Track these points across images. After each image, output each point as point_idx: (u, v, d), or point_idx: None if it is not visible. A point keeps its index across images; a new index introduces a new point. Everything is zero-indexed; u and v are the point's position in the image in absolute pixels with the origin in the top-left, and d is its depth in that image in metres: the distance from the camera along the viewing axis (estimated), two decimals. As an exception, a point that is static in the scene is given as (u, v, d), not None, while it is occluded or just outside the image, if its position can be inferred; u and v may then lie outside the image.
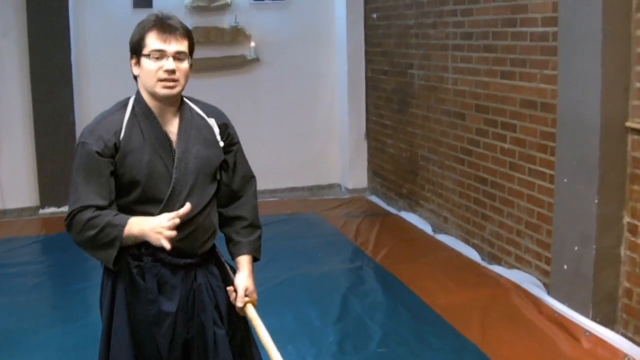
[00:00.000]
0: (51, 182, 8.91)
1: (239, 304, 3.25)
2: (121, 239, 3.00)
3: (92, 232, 3.01)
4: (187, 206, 3.01)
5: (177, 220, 2.96)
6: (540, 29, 5.89)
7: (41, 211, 9.01)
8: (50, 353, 5.30)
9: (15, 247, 7.77)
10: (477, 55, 6.82)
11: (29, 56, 8.84)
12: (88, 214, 3.03)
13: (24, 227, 8.56)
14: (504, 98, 6.43)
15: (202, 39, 9.20)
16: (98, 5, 8.97)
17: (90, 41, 9.01)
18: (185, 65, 3.11)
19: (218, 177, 3.35)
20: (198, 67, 9.02)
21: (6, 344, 5.42)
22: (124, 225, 3.00)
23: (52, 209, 8.95)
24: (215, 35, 9.37)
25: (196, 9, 9.26)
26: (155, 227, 2.97)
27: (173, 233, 2.96)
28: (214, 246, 3.38)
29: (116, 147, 3.07)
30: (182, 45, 3.09)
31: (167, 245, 2.94)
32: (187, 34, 3.13)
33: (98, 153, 3.05)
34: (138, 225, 3.01)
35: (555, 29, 5.64)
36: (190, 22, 8.99)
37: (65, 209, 8.81)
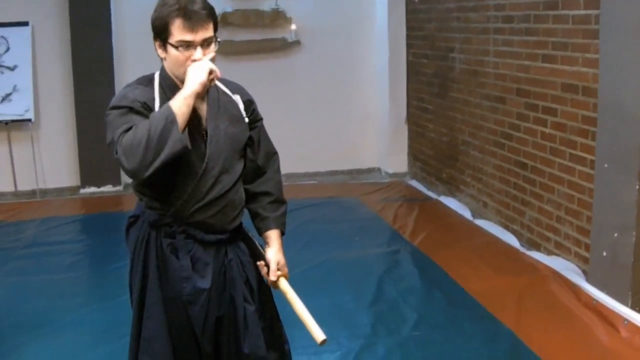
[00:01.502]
0: (91, 163, 8.99)
1: (273, 277, 3.25)
2: (173, 113, 2.83)
3: (145, 136, 2.80)
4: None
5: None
6: (582, 12, 5.79)
7: (81, 191, 9.10)
8: (85, 331, 5.36)
9: (54, 225, 7.87)
10: (519, 39, 6.74)
11: (70, 40, 8.92)
12: (130, 132, 2.86)
13: (63, 206, 8.67)
14: (545, 82, 6.34)
15: (241, 22, 9.21)
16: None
17: (130, 25, 9.04)
18: (212, 49, 3.05)
19: (244, 153, 3.33)
20: (237, 50, 9.13)
21: (42, 322, 5.48)
22: (168, 105, 2.88)
23: (92, 189, 9.04)
24: (255, 18, 9.35)
25: (237, -8, 9.25)
26: (197, 69, 2.94)
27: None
28: (241, 222, 3.36)
29: (150, 110, 3.00)
30: (209, 31, 3.02)
31: (218, 73, 2.96)
32: (211, 14, 3.04)
33: (135, 109, 2.97)
34: (178, 94, 2.91)
35: (597, 11, 5.54)
36: (230, 5, 9.02)
37: (105, 188, 8.96)
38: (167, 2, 3.01)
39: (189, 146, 2.89)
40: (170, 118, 2.82)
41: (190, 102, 2.89)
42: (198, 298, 3.18)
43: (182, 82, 3.00)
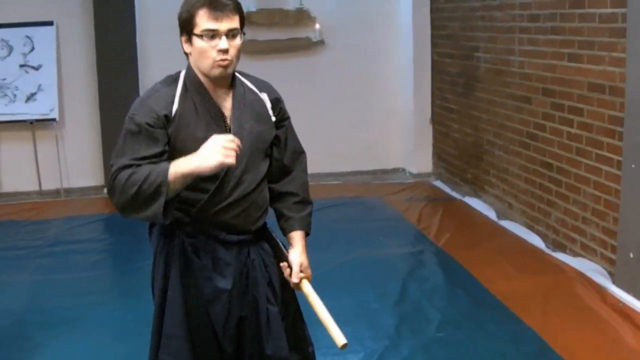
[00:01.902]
0: (115, 162, 8.99)
1: (295, 279, 3.20)
2: (167, 184, 2.87)
3: (135, 187, 2.89)
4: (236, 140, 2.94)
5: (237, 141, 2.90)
6: (609, 10, 5.73)
7: (105, 190, 9.08)
8: (108, 328, 5.39)
9: (78, 224, 7.92)
10: (544, 38, 6.69)
11: (94, 39, 8.94)
12: (129, 171, 2.92)
13: (87, 205, 8.71)
14: (571, 81, 6.29)
15: (266, 21, 9.20)
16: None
17: (154, 22, 9.05)
18: (237, 41, 3.04)
19: (269, 152, 3.31)
20: (262, 49, 9.12)
21: (66, 319, 5.51)
22: (167, 169, 2.89)
23: (116, 188, 9.04)
24: (280, 17, 9.33)
25: (261, -9, 9.24)
26: (213, 146, 2.88)
27: (233, 147, 2.88)
28: (265, 222, 3.33)
29: (168, 119, 3.02)
30: (234, 22, 3.01)
31: (232, 162, 2.88)
32: (238, 8, 3.05)
33: (149, 124, 2.98)
34: (185, 162, 2.89)
35: (624, 10, 5.48)
36: (254, 4, 9.00)
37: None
38: None
39: (162, 221, 2.96)
40: (161, 189, 2.88)
41: (188, 180, 2.93)
42: (219, 298, 3.17)
43: (207, 75, 3.04)
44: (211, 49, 2.99)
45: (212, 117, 3.09)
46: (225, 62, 3.01)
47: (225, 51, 2.99)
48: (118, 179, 2.94)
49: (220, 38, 2.98)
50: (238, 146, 2.89)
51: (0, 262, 6.75)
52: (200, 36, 2.98)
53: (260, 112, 3.22)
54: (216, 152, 2.85)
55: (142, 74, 8.96)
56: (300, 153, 3.43)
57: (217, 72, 3.03)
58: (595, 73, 5.95)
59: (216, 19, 2.97)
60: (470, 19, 8.24)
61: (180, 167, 2.89)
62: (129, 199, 2.91)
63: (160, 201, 2.89)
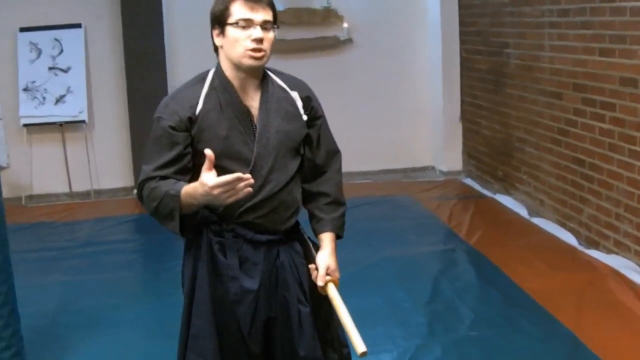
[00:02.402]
0: (144, 164, 9.01)
1: (320, 282, 3.12)
2: (179, 210, 2.93)
3: (154, 204, 2.99)
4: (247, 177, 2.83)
5: (222, 180, 2.80)
6: (641, 4, 5.68)
7: (135, 191, 9.10)
8: (139, 328, 5.40)
9: (109, 225, 7.97)
10: (575, 33, 6.62)
11: (123, 40, 8.97)
12: (152, 185, 3.00)
13: (117, 206, 8.76)
14: (603, 76, 6.22)
15: (294, 20, 9.19)
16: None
17: (182, 23, 9.09)
18: (271, 35, 3.03)
19: (302, 151, 3.26)
20: (290, 48, 9.10)
21: (97, 320, 5.54)
22: (179, 195, 2.91)
23: (145, 190, 9.06)
24: (307, 16, 9.33)
25: (288, -10, 9.23)
26: (208, 194, 2.82)
27: (245, 189, 2.82)
28: (297, 223, 3.29)
29: (191, 121, 3.01)
30: (269, 15, 3.01)
31: (238, 197, 2.83)
32: (271, 4, 3.04)
33: (172, 127, 2.99)
34: (191, 195, 2.89)
35: (656, 3, 5.43)
36: (282, 3, 9.00)
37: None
38: None
39: (180, 236, 3.10)
40: (174, 213, 2.95)
41: (196, 209, 2.99)
42: (244, 298, 3.13)
43: (238, 68, 3.03)
44: (245, 38, 2.97)
45: (238, 116, 3.06)
46: (258, 54, 2.99)
47: (260, 40, 2.97)
48: (144, 190, 3.05)
49: (254, 28, 2.97)
50: (240, 178, 2.81)
51: (31, 263, 6.77)
52: (235, 24, 2.97)
53: (290, 111, 3.18)
54: (216, 198, 2.84)
55: (170, 75, 8.98)
56: (335, 153, 3.37)
57: (249, 62, 3.00)
58: (627, 67, 5.88)
59: (251, 8, 2.97)
60: (499, 15, 8.17)
61: (190, 199, 2.91)
62: (152, 211, 3.03)
63: (175, 223, 2.97)
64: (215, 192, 2.80)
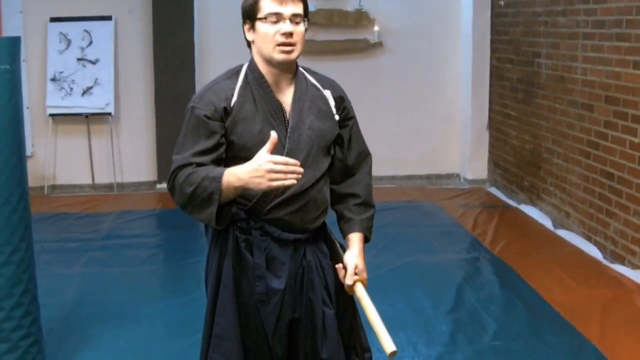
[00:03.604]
0: (169, 158, 8.95)
1: (349, 281, 3.07)
2: (220, 192, 2.84)
3: (191, 188, 2.88)
4: (294, 162, 2.81)
5: (280, 159, 2.79)
6: (679, 17, 5.60)
7: (158, 186, 9.14)
8: (160, 324, 5.39)
9: (131, 219, 7.97)
10: (609, 45, 6.55)
11: (152, 35, 8.99)
12: (188, 170, 2.93)
13: (140, 200, 8.77)
14: (636, 89, 6.14)
15: (325, 22, 9.18)
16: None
17: (213, 22, 9.11)
18: (301, 28, 3.01)
19: (332, 152, 3.23)
20: (320, 50, 9.08)
21: (117, 313, 5.53)
22: (221, 177, 2.85)
23: (169, 184, 9.06)
24: (339, 18, 9.29)
25: (321, -9, 9.20)
26: (253, 173, 2.79)
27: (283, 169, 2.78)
28: (324, 223, 3.25)
29: (226, 112, 2.99)
30: (298, 8, 2.99)
31: (282, 184, 2.79)
32: None
33: (207, 116, 2.97)
34: (236, 175, 2.84)
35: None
36: (314, 4, 8.98)
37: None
38: None
39: (216, 226, 2.96)
40: (214, 196, 2.86)
41: (240, 192, 2.90)
42: (271, 298, 3.09)
43: (270, 63, 3.02)
44: (275, 32, 2.96)
45: (271, 111, 3.04)
46: (289, 48, 2.98)
47: (290, 34, 2.96)
48: (177, 178, 2.96)
49: (284, 22, 2.96)
50: (293, 164, 2.80)
51: (52, 253, 6.76)
52: (264, 18, 2.96)
53: (322, 109, 3.15)
54: (262, 177, 2.79)
55: (199, 72, 8.97)
56: (366, 155, 3.35)
57: (280, 57, 2.99)
58: (662, 81, 5.82)
59: (280, 2, 2.96)
60: (533, 24, 8.11)
61: (233, 179, 2.85)
62: (186, 199, 2.93)
63: (213, 208, 2.87)
64: (268, 166, 2.76)
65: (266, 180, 2.78)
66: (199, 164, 2.94)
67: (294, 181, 2.79)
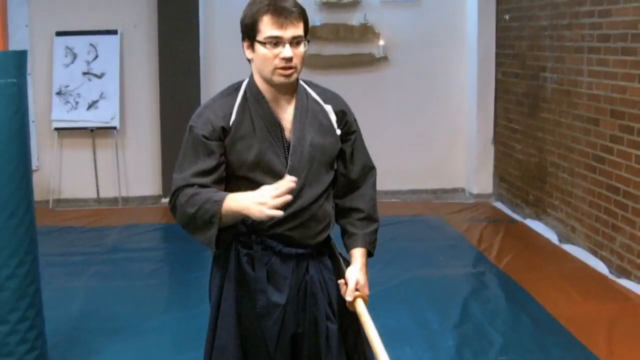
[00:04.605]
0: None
1: (349, 297, 3.05)
2: (220, 216, 2.83)
3: (193, 210, 2.87)
4: (291, 180, 2.78)
5: (283, 190, 2.75)
6: (685, 32, 5.60)
7: (163, 200, 9.14)
8: (164, 338, 5.38)
9: (136, 233, 7.98)
10: (615, 58, 6.55)
11: (158, 48, 9.00)
12: (190, 191, 2.92)
13: (145, 214, 8.77)
14: (642, 103, 6.15)
15: (330, 36, 9.21)
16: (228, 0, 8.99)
17: (219, 35, 9.13)
18: (302, 49, 2.97)
19: (335, 166, 3.21)
20: (326, 64, 9.09)
21: (122, 326, 5.53)
22: (222, 201, 2.84)
23: (172, 198, 9.05)
24: (344, 32, 9.32)
25: (326, 5, 9.23)
26: (256, 198, 2.77)
27: (279, 201, 2.74)
28: (328, 237, 3.22)
29: (224, 131, 2.97)
30: (299, 29, 2.94)
31: (275, 213, 2.73)
32: (303, 15, 2.98)
33: (205, 137, 2.95)
34: (237, 200, 2.83)
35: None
36: (319, 18, 9.03)
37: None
38: (257, 0, 2.97)
39: (214, 249, 2.95)
40: (214, 219, 2.85)
41: (239, 218, 2.90)
42: (272, 312, 3.07)
43: (269, 83, 2.99)
44: (274, 56, 2.93)
45: (270, 129, 3.02)
46: (288, 72, 2.95)
47: (289, 59, 2.93)
48: (179, 198, 2.95)
49: (284, 46, 2.92)
50: (287, 189, 2.76)
51: (58, 267, 6.76)
52: (264, 44, 2.92)
53: (324, 124, 3.13)
54: (258, 208, 2.76)
55: (204, 86, 8.99)
56: (370, 169, 3.32)
57: (279, 80, 2.97)
58: (668, 95, 5.81)
59: (280, 26, 2.90)
60: (538, 38, 8.11)
61: (233, 204, 2.83)
62: (187, 220, 2.93)
63: (213, 231, 2.87)
64: (265, 199, 2.74)
65: (264, 212, 2.74)
66: (201, 185, 2.93)
67: (281, 213, 2.77)
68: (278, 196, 2.74)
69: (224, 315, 3.12)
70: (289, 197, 2.77)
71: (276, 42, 2.91)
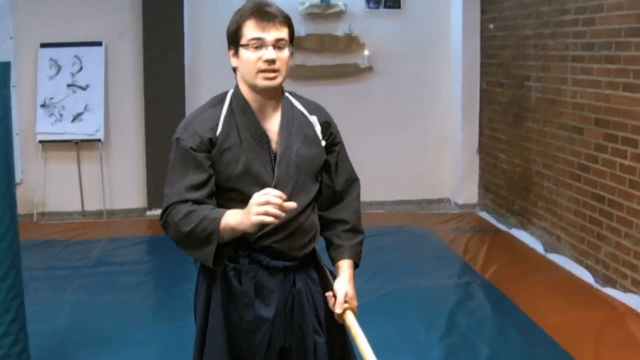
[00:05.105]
0: (159, 185, 8.92)
1: (338, 310, 3.03)
2: (218, 233, 2.81)
3: (189, 227, 2.85)
4: (292, 204, 2.78)
5: (278, 194, 2.74)
6: (667, 40, 5.62)
7: (148, 213, 9.10)
8: (150, 352, 5.34)
9: (122, 246, 7.92)
10: (599, 67, 6.56)
11: (143, 60, 8.98)
12: (185, 208, 2.89)
13: (130, 227, 8.72)
14: (626, 112, 6.15)
15: (315, 46, 9.21)
16: (213, 11, 8.98)
17: (204, 46, 9.11)
18: (285, 54, 2.97)
19: (319, 178, 3.20)
20: (311, 75, 9.09)
21: (107, 341, 5.48)
22: (220, 218, 2.83)
23: (159, 211, 8.95)
24: (329, 43, 9.33)
25: (310, 16, 9.23)
26: (250, 207, 2.76)
27: (275, 202, 2.72)
28: (314, 250, 3.21)
29: (212, 142, 2.96)
30: (282, 33, 2.95)
31: (270, 220, 2.73)
32: (287, 21, 2.99)
33: (193, 149, 2.94)
34: (234, 216, 2.81)
35: (683, 39, 5.37)
36: (304, 29, 9.01)
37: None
38: (241, 8, 2.99)
39: (212, 266, 2.92)
40: (212, 236, 2.83)
41: (237, 234, 2.85)
42: (260, 327, 3.06)
43: (253, 89, 2.99)
44: (257, 59, 2.93)
45: (256, 139, 3.01)
46: (271, 75, 2.95)
47: (272, 61, 2.92)
48: (172, 215, 2.92)
49: (266, 48, 2.92)
50: (279, 196, 2.75)
51: (42, 281, 6.72)
52: (247, 45, 2.93)
53: (309, 135, 3.13)
54: (249, 213, 2.75)
55: (189, 97, 8.96)
56: (354, 180, 3.31)
57: (263, 83, 2.96)
58: (651, 103, 5.83)
59: (263, 28, 2.92)
60: (522, 47, 8.12)
61: (231, 220, 2.82)
62: (182, 237, 2.91)
63: (212, 248, 2.85)
64: (257, 205, 2.72)
65: (253, 216, 2.74)
66: (195, 201, 2.91)
67: (275, 220, 2.75)
68: (274, 196, 2.73)
69: (212, 331, 3.10)
70: (271, 219, 2.74)
71: (259, 44, 2.92)
